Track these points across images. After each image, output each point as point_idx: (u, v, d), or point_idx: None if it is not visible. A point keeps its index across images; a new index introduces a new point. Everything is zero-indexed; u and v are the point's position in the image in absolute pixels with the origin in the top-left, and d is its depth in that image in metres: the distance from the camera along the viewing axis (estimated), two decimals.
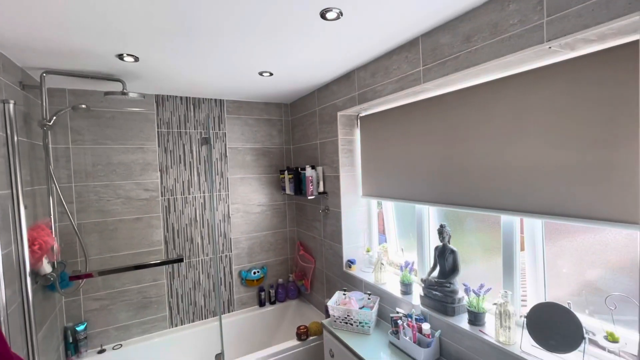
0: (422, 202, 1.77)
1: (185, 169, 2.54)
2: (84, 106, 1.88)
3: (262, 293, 2.83)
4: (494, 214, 1.43)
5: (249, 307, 2.83)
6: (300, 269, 2.86)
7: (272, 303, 2.88)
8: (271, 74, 2.03)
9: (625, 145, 1.00)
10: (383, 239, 2.32)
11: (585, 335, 1.10)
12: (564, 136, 1.14)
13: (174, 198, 2.50)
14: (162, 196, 2.46)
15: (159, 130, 2.44)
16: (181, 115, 2.52)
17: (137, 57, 1.65)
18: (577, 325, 1.11)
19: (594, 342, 1.17)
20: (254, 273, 2.78)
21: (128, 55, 1.61)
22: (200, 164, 2.59)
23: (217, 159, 2.67)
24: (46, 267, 1.64)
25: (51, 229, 1.76)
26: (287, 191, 2.71)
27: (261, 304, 2.84)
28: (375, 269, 2.01)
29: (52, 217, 1.87)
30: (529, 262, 1.40)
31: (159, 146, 2.44)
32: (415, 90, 1.63)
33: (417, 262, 1.94)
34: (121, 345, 2.29)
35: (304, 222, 2.86)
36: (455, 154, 1.56)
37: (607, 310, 1.14)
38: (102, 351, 2.21)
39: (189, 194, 2.56)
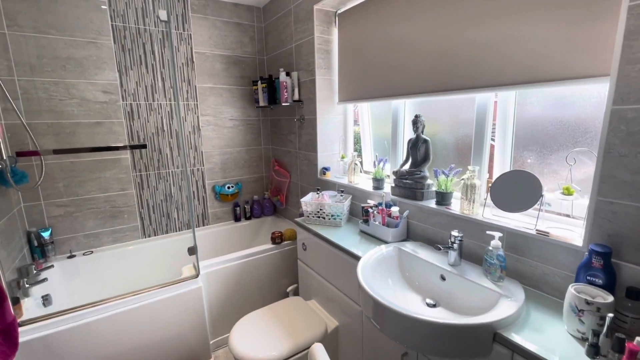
0: (399, 96, 1.72)
1: (148, 72, 2.32)
2: None
3: (237, 209, 2.83)
4: (470, 94, 1.41)
5: (224, 221, 2.84)
6: (276, 185, 2.85)
7: (248, 218, 2.90)
8: None
9: None
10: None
11: (543, 193, 1.15)
12: None
13: (137, 104, 2.31)
14: (123, 100, 2.26)
15: (114, 23, 2.16)
16: (138, 8, 2.23)
17: None
18: (536, 185, 1.16)
19: (550, 212, 1.25)
20: (228, 188, 2.74)
21: None
22: (164, 67, 2.37)
23: (182, 63, 2.46)
24: None
25: None
26: (261, 103, 2.58)
27: (236, 219, 2.85)
28: (348, 171, 2.01)
29: None
30: (498, 143, 1.42)
31: (114, 42, 2.18)
32: None
33: (391, 166, 1.94)
34: (92, 252, 2.26)
35: (279, 139, 2.78)
36: (432, 39, 1.48)
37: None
38: (72, 256, 2.18)
39: (154, 100, 2.37)
